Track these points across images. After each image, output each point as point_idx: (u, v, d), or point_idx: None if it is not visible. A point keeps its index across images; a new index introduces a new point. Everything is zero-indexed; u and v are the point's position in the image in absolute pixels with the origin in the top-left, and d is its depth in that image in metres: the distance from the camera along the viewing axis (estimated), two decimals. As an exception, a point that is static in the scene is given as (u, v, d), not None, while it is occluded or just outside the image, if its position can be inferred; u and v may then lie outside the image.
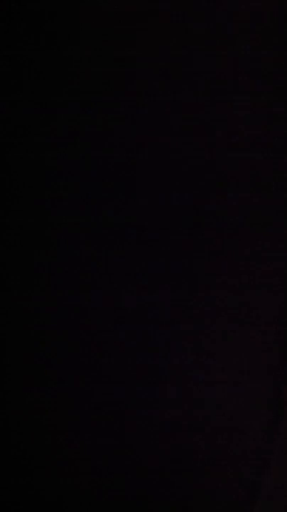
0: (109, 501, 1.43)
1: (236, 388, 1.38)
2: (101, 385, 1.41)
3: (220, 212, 1.32)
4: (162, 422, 1.39)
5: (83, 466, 1.43)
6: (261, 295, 1.34)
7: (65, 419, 1.43)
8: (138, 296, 1.37)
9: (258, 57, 1.28)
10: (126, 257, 1.36)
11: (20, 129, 1.35)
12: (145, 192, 1.33)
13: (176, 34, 1.28)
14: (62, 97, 1.31)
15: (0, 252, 1.39)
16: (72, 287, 1.40)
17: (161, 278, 1.36)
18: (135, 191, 1.33)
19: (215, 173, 1.32)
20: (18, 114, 1.34)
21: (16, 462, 1.45)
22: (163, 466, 1.40)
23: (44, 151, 1.35)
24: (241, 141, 1.30)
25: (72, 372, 1.42)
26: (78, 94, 1.31)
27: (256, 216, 1.32)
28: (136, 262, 1.36)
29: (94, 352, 1.41)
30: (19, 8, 1.30)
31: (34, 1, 1.30)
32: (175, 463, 1.40)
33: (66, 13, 1.31)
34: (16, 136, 1.35)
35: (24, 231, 1.38)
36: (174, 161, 1.30)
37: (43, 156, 1.35)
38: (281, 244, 1.34)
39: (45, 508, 1.44)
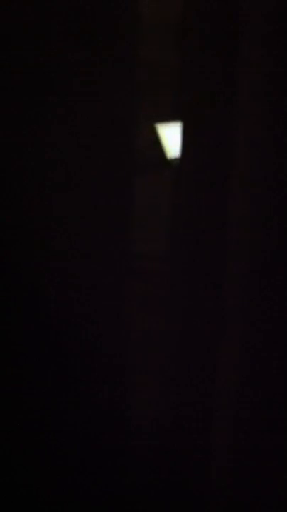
0: (108, 501, 1.43)
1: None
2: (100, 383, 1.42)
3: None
4: (163, 420, 1.39)
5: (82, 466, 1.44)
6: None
7: (64, 419, 1.44)
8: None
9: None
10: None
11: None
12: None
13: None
14: None
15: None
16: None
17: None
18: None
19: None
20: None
21: (16, 462, 1.45)
22: (161, 466, 1.41)
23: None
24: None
25: (70, 370, 1.43)
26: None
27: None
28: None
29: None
30: None
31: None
32: (175, 462, 1.40)
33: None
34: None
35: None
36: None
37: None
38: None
39: (45, 508, 1.44)
